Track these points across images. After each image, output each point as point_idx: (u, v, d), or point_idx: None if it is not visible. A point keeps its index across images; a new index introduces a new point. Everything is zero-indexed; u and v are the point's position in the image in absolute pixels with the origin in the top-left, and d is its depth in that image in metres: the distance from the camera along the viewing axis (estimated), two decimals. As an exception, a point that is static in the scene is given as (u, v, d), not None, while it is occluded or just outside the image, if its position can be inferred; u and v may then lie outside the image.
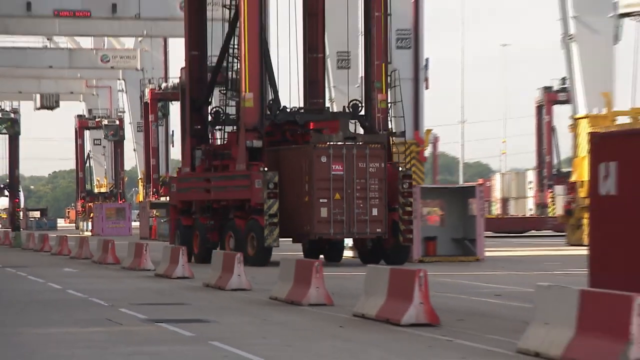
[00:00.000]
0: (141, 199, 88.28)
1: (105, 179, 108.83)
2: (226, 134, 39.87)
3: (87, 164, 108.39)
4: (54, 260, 43.53)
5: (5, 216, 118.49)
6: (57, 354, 14.53)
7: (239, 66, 38.24)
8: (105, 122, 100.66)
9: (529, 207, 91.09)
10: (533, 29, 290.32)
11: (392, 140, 37.37)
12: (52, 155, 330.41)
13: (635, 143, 17.91)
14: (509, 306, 20.88)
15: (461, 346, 14.94)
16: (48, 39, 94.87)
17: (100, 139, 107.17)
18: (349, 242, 39.52)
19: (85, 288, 26.39)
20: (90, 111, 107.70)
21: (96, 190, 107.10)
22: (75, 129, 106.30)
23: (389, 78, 37.61)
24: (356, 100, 38.41)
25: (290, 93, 40.00)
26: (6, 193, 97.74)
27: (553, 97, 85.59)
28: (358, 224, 34.86)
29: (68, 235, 53.08)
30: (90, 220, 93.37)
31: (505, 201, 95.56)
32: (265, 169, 35.77)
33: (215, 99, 45.31)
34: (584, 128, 50.83)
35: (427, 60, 53.10)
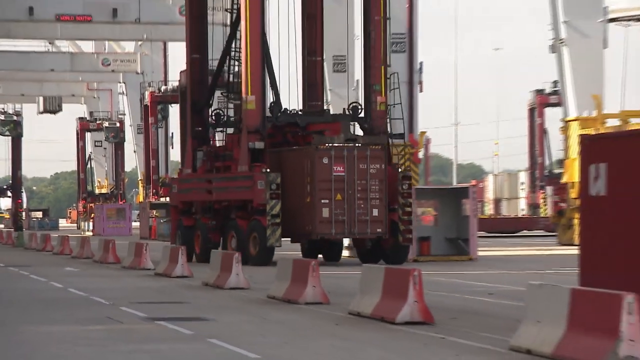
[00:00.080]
0: (141, 199, 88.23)
1: (106, 180, 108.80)
2: (225, 136, 39.86)
3: (88, 166, 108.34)
4: (55, 259, 43.50)
5: (8, 216, 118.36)
6: (59, 351, 14.51)
7: (239, 69, 38.28)
8: (106, 124, 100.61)
9: (521, 208, 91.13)
10: (525, 33, 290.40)
11: (392, 142, 37.42)
12: (54, 157, 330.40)
13: (624, 145, 17.92)
14: (502, 304, 20.89)
15: (455, 344, 14.95)
16: (50, 43, 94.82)
17: (101, 141, 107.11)
18: (345, 242, 39.49)
19: (87, 287, 26.37)
20: (91, 113, 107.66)
21: (97, 191, 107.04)
22: (77, 131, 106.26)
23: (388, 81, 37.62)
24: (356, 102, 38.43)
25: (290, 95, 40.06)
26: (9, 194, 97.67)
27: (545, 99, 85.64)
28: (359, 224, 34.88)
29: (69, 235, 53.03)
30: (91, 220, 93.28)
31: (497, 202, 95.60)
32: (268, 170, 35.77)
33: (215, 101, 45.28)
34: (575, 130, 50.86)
35: (421, 63, 53.11)
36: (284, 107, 38.44)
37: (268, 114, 37.28)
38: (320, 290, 20.74)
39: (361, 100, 39.28)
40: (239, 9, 37.94)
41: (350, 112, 37.90)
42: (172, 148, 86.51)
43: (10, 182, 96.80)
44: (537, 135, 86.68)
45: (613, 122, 53.03)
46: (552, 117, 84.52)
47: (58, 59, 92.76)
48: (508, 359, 13.50)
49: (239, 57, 38.06)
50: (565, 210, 55.74)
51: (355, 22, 59.06)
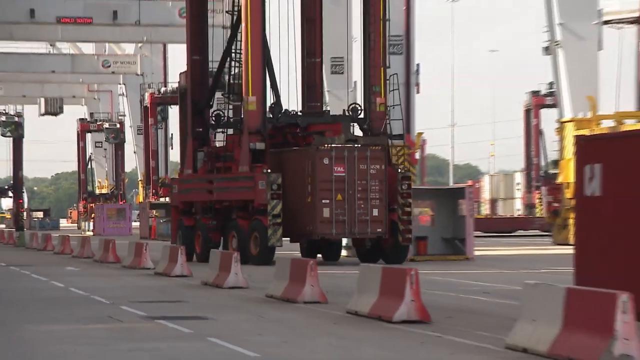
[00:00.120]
0: (141, 199, 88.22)
1: (107, 180, 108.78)
2: (225, 137, 39.86)
3: (89, 166, 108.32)
4: (56, 259, 43.48)
5: (9, 216, 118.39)
6: (60, 350, 14.51)
7: (239, 70, 38.29)
8: (106, 125, 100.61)
9: (517, 208, 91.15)
10: (520, 36, 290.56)
11: (391, 143, 37.43)
12: (54, 158, 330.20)
13: (619, 146, 17.94)
14: (498, 303, 20.89)
15: (451, 342, 14.95)
16: (51, 45, 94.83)
17: (101, 142, 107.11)
18: (344, 241, 39.47)
19: (87, 286, 26.36)
20: (91, 115, 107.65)
21: (97, 192, 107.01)
22: (78, 132, 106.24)
23: (387, 82, 37.63)
24: (356, 103, 38.43)
25: (289, 97, 40.08)
26: (10, 194, 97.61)
27: (540, 101, 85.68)
28: (359, 224, 34.89)
29: (70, 235, 53.02)
30: (92, 220, 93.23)
31: (493, 202, 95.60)
32: (269, 170, 35.76)
33: (215, 103, 45.27)
34: (570, 131, 50.89)
35: (418, 65, 53.12)
36: (284, 108, 38.47)
37: (269, 115, 37.28)
38: (318, 290, 20.73)
39: (359, 102, 39.29)
40: (239, 11, 37.95)
41: (350, 113, 37.91)
42: (172, 149, 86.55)
43: (12, 182, 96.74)
44: (532, 136, 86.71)
45: (608, 123, 53.08)
46: (548, 118, 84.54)
47: (59, 61, 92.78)
48: (504, 358, 13.50)
49: (240, 58, 38.08)
50: (560, 210, 55.77)
51: (354, 24, 59.17)
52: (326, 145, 35.09)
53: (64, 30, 74.03)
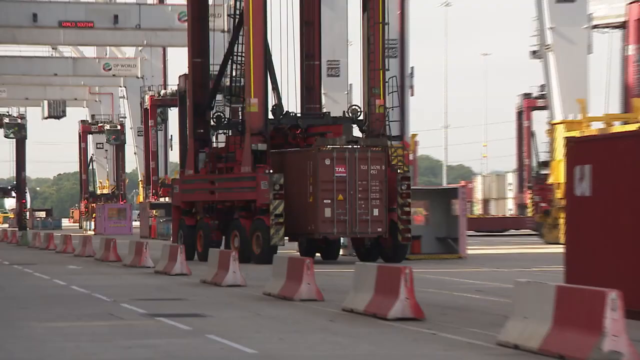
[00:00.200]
0: (141, 199, 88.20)
1: (107, 181, 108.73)
2: (225, 138, 39.87)
3: (90, 167, 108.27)
4: (58, 258, 43.45)
5: (12, 216, 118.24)
6: (63, 346, 14.51)
7: (238, 73, 38.31)
8: (107, 127, 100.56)
9: (509, 208, 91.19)
10: (512, 40, 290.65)
11: (391, 144, 37.44)
12: (57, 159, 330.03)
13: (608, 147, 17.96)
14: (490, 301, 20.90)
15: (444, 339, 14.96)
16: (53, 48, 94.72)
17: (102, 143, 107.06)
18: (341, 241, 39.45)
19: (89, 284, 26.34)
20: (93, 117, 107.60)
21: (99, 192, 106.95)
22: (79, 133, 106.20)
23: (386, 84, 37.65)
24: (355, 105, 38.42)
25: (289, 98, 40.10)
26: (13, 194, 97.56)
27: (532, 103, 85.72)
28: (360, 224, 34.90)
29: (72, 234, 52.98)
30: (93, 220, 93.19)
31: (486, 202, 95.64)
32: (271, 171, 35.75)
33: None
34: (561, 133, 50.94)
35: (412, 68, 53.19)
36: (285, 109, 38.49)
37: (270, 116, 37.26)
38: (314, 288, 20.73)
39: (355, 103, 39.27)
40: (241, 14, 37.97)
41: (350, 114, 37.90)
42: (172, 150, 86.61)
43: (15, 183, 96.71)
44: (524, 137, 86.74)
45: (597, 125, 53.15)
46: (540, 120, 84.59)
47: (61, 64, 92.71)
48: (496, 354, 13.51)
49: (241, 61, 38.09)
50: (551, 210, 55.80)
51: (349, 29, 59.19)
52: (328, 146, 35.09)
53: (66, 34, 74.01)
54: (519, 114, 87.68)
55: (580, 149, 18.27)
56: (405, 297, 16.93)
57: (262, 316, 18.36)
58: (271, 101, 38.23)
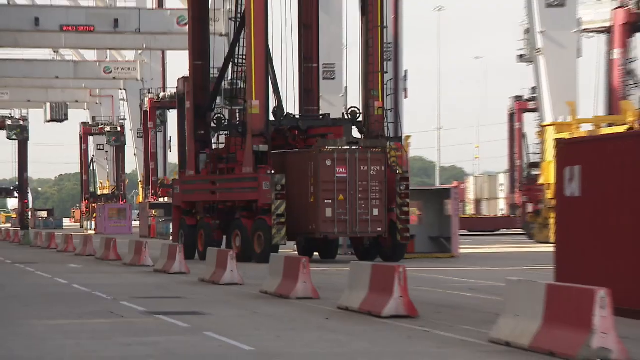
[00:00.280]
0: (141, 200, 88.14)
1: (108, 181, 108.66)
2: (224, 139, 39.87)
3: (91, 168, 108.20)
4: (60, 257, 43.41)
5: (15, 216, 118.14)
6: (63, 344, 14.49)
7: (237, 75, 38.30)
8: (107, 128, 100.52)
9: (500, 208, 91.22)
10: (504, 43, 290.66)
11: (389, 145, 37.46)
12: (58, 160, 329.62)
13: (597, 149, 17.98)
14: (482, 299, 20.91)
15: (437, 336, 14.96)
16: (55, 52, 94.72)
17: (103, 145, 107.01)
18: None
19: (89, 283, 26.32)
20: (93, 118, 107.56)
21: (99, 192, 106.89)
22: (80, 135, 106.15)
23: (384, 86, 37.67)
24: (354, 107, 38.41)
25: (287, 100, 40.11)
26: (16, 195, 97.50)
27: (523, 105, 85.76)
28: (360, 224, 34.90)
29: (73, 233, 52.93)
30: (94, 219, 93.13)
31: (478, 202, 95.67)
32: (272, 171, 35.73)
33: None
34: (551, 134, 50.99)
35: (406, 71, 53.25)
36: (286, 111, 38.49)
37: (271, 118, 37.24)
38: (310, 286, 20.73)
39: (349, 105, 39.31)
40: (242, 17, 37.97)
41: (349, 116, 37.89)
42: (170, 151, 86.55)
43: (17, 183, 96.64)
44: (516, 139, 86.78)
45: (587, 127, 53.20)
46: (531, 122, 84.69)
47: (62, 67, 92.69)
48: (488, 351, 13.52)
49: (242, 63, 38.09)
50: (541, 210, 55.85)
51: (343, 32, 59.17)
52: (329, 147, 35.09)
53: (67, 37, 73.95)
54: (511, 116, 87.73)
55: (570, 151, 18.29)
56: (399, 295, 16.93)
57: (259, 314, 18.35)
58: (272, 103, 38.23)
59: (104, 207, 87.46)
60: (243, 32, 38.12)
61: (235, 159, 37.79)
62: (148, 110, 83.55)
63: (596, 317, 12.19)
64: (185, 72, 48.57)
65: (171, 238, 54.32)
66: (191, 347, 14.18)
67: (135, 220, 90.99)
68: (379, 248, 35.66)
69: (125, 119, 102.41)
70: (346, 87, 60.00)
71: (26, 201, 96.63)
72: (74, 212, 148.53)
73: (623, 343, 12.37)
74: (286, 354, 13.44)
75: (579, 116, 52.43)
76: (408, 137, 53.14)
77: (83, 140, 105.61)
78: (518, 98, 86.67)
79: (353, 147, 35.20)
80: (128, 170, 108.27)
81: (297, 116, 38.75)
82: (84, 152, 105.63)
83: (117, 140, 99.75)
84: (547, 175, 51.69)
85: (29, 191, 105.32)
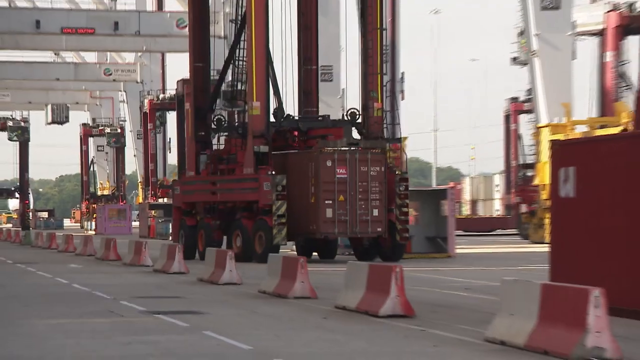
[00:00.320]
0: (141, 200, 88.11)
1: (108, 182, 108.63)
2: (224, 140, 39.86)
3: (91, 169, 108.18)
4: (60, 257, 43.39)
5: (16, 216, 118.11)
6: (63, 343, 14.48)
7: (240, 77, 38.31)
8: (107, 130, 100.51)
9: (496, 208, 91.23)
10: (500, 45, 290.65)
11: (389, 146, 37.46)
12: (59, 161, 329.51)
13: (592, 150, 17.99)
14: (478, 299, 20.91)
15: (434, 335, 14.97)
16: (55, 54, 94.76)
17: (103, 146, 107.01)
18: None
19: (89, 282, 26.31)
20: (94, 120, 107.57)
21: (99, 193, 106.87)
22: (80, 136, 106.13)
23: (384, 88, 37.66)
24: (354, 108, 38.41)
25: (287, 102, 40.11)
26: (17, 195, 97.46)
27: (519, 107, 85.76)
28: (360, 224, 34.89)
29: (73, 234, 52.92)
30: (94, 220, 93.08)
31: (474, 203, 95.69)
32: (273, 172, 35.72)
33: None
34: (546, 136, 51.03)
35: (402, 73, 53.25)
36: (286, 113, 38.50)
37: (272, 119, 37.23)
38: (308, 286, 20.72)
39: (347, 108, 39.25)
40: (242, 19, 37.97)
41: (349, 117, 37.87)
42: (170, 152, 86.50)
43: (18, 184, 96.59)
44: (512, 140, 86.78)
45: (581, 129, 53.24)
46: (527, 123, 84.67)
47: (63, 69, 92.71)
48: (483, 350, 13.52)
49: (243, 65, 38.09)
50: (536, 210, 55.87)
51: (340, 35, 59.16)
52: (330, 148, 35.08)
53: (68, 40, 73.99)
54: (507, 117, 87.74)
55: (564, 152, 18.30)
56: (396, 295, 16.93)
57: (258, 313, 18.35)
58: (272, 104, 38.21)
59: (104, 208, 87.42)
60: (243, 34, 38.12)
61: (235, 160, 37.78)
62: (148, 111, 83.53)
63: (590, 316, 12.20)
64: (185, 74, 48.57)
65: (170, 238, 54.34)
66: (190, 346, 14.17)
67: (135, 221, 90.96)
68: (378, 248, 35.65)
69: (125, 121, 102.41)
70: (343, 89, 60.04)
71: (27, 202, 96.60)
72: (74, 212, 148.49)
73: (617, 342, 12.38)
74: (284, 353, 13.44)
75: (573, 117, 52.48)
76: (404, 138, 53.11)
77: (83, 141, 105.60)
78: (514, 99, 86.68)
79: (353, 148, 35.19)
80: (128, 171, 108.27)
81: (298, 117, 38.72)
82: (84, 153, 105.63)
83: (117, 142, 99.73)
84: (542, 176, 51.72)
85: (30, 192, 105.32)
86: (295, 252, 38.16)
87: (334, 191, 34.68)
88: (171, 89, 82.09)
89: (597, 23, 64.11)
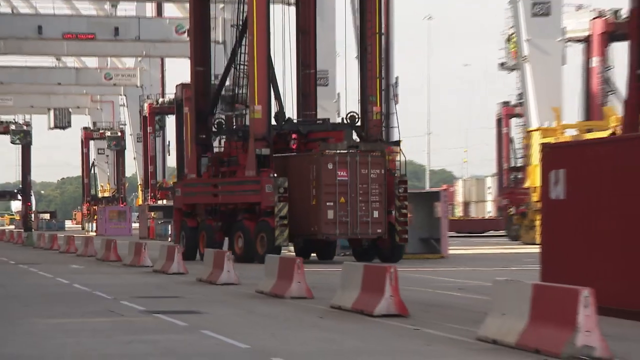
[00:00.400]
0: (140, 202, 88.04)
1: (108, 184, 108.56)
2: (223, 143, 39.84)
3: (92, 171, 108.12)
4: (62, 257, 43.35)
5: (18, 218, 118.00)
6: (64, 342, 14.46)
7: (241, 81, 38.30)
8: (108, 133, 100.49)
9: (488, 210, 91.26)
10: (493, 50, 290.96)
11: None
12: (60, 163, 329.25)
13: (581, 153, 18.01)
14: (470, 298, 20.91)
15: (427, 334, 14.96)
16: (57, 59, 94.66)
17: (103, 149, 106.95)
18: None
19: (90, 282, 26.28)
20: (94, 124, 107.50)
21: (100, 195, 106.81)
22: (82, 139, 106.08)
23: (382, 92, 37.63)
24: (353, 112, 38.40)
25: (285, 105, 40.08)
26: (19, 197, 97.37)
27: (510, 111, 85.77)
28: (360, 225, 34.88)
29: (75, 235, 52.87)
30: (95, 221, 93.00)
31: (466, 204, 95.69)
32: (275, 175, 35.69)
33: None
34: (537, 139, 51.07)
35: (396, 78, 53.26)
36: (287, 116, 38.49)
37: (273, 122, 37.19)
38: (304, 286, 20.71)
39: (344, 112, 39.26)
40: (244, 25, 37.97)
41: (348, 121, 37.86)
42: (169, 155, 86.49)
43: (21, 186, 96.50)
44: (504, 143, 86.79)
45: (571, 132, 53.29)
46: (519, 126, 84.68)
47: (64, 74, 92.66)
48: (475, 349, 13.52)
49: (244, 69, 38.08)
50: (527, 212, 55.91)
51: (335, 40, 59.15)
52: (332, 151, 35.07)
53: (69, 45, 73.96)
54: (499, 121, 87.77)
55: (555, 155, 18.31)
56: (390, 295, 16.93)
57: (255, 313, 18.34)
58: (273, 108, 38.19)
59: (105, 210, 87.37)
60: (244, 39, 38.11)
61: (236, 163, 37.74)
62: (147, 115, 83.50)
63: (580, 315, 12.20)
64: (183, 79, 48.62)
65: (169, 239, 54.26)
66: (189, 345, 14.16)
67: (134, 222, 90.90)
68: (377, 249, 35.61)
69: (125, 124, 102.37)
70: (339, 93, 60.05)
71: (29, 204, 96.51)
72: (75, 214, 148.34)
73: (606, 341, 12.39)
74: (281, 352, 13.43)
75: (563, 121, 52.53)
76: (399, 141, 53.08)
77: (84, 144, 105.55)
78: (505, 103, 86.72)
79: (354, 151, 35.17)
80: (128, 173, 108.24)
81: (299, 121, 38.68)
82: (85, 156, 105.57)
83: (118, 145, 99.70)
84: (533, 179, 51.76)
85: (32, 194, 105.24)
86: (294, 253, 38.11)
87: (335, 193, 34.67)
88: (170, 93, 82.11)
89: (583, 30, 64.26)
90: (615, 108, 56.54)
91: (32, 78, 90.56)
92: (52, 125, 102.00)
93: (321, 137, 37.19)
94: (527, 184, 55.79)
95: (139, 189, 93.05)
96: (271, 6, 37.04)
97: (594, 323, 12.24)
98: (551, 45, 51.79)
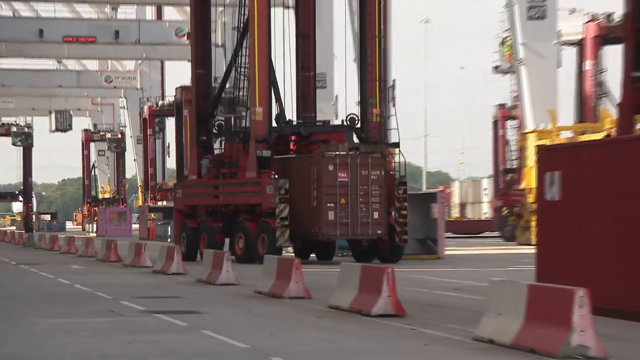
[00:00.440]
0: (140, 203, 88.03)
1: (109, 186, 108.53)
2: (223, 145, 39.83)
3: (93, 173, 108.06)
4: (62, 258, 43.33)
5: (19, 219, 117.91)
6: (64, 342, 14.45)
7: (241, 83, 38.29)
8: (108, 135, 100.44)
9: (484, 211, 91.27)
10: (490, 53, 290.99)
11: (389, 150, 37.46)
12: (61, 165, 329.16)
13: (576, 155, 18.02)
14: (466, 299, 20.91)
15: (424, 334, 14.96)
16: (58, 62, 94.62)
17: (104, 151, 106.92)
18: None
19: (91, 283, 26.27)
20: (95, 126, 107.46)
21: (100, 196, 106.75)
22: (82, 141, 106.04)
23: (382, 94, 37.61)
24: (353, 114, 38.39)
25: (285, 107, 40.05)
26: (21, 198, 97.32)
27: (506, 113, 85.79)
28: (361, 226, 34.85)
29: (75, 236, 52.84)
30: (95, 222, 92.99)
31: (463, 206, 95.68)
32: (276, 176, 35.67)
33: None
34: (532, 141, 51.08)
35: (394, 81, 53.24)
36: (288, 118, 38.49)
37: (273, 124, 37.18)
38: (302, 286, 20.71)
39: (343, 114, 39.26)
40: (244, 27, 37.96)
41: (348, 123, 37.85)
42: (169, 157, 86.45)
43: (22, 188, 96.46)
44: (500, 145, 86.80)
45: (566, 134, 53.31)
46: (511, 128, 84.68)
47: (65, 76, 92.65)
48: (472, 348, 13.52)
49: (245, 72, 38.06)
50: (523, 213, 55.92)
51: (333, 42, 59.13)
52: (333, 152, 35.07)
53: (70, 48, 73.98)
54: (495, 123, 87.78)
55: (550, 157, 18.32)
56: (388, 295, 16.93)
57: (254, 313, 18.33)
58: (274, 110, 38.20)
59: (105, 211, 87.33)
60: (245, 42, 38.11)
61: (237, 164, 37.72)
62: (147, 117, 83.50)
63: (575, 315, 12.21)
64: (183, 81, 48.64)
65: (169, 240, 54.25)
66: (189, 344, 14.15)
67: (135, 223, 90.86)
68: (377, 250, 35.60)
69: (125, 126, 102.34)
70: (336, 96, 60.03)
71: (30, 205, 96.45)
72: (76, 215, 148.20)
73: (601, 340, 12.39)
74: (280, 352, 13.42)
75: (559, 124, 52.55)
76: (398, 143, 53.09)
77: (85, 146, 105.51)
78: (501, 106, 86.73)
79: (354, 153, 35.17)
80: (128, 175, 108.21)
81: (299, 123, 38.67)
82: (85, 158, 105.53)
83: (118, 147, 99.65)
84: (529, 180, 51.77)
85: (33, 195, 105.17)
86: (293, 254, 38.10)
87: (336, 194, 34.66)
88: (170, 96, 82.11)
89: (577, 33, 64.33)
90: (608, 110, 56.61)
91: (34, 81, 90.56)
92: (53, 128, 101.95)
93: (322, 139, 37.17)
94: (522, 186, 55.79)
95: (139, 190, 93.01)
96: (271, 9, 37.03)
97: (588, 323, 12.25)
98: (547, 48, 51.82)
